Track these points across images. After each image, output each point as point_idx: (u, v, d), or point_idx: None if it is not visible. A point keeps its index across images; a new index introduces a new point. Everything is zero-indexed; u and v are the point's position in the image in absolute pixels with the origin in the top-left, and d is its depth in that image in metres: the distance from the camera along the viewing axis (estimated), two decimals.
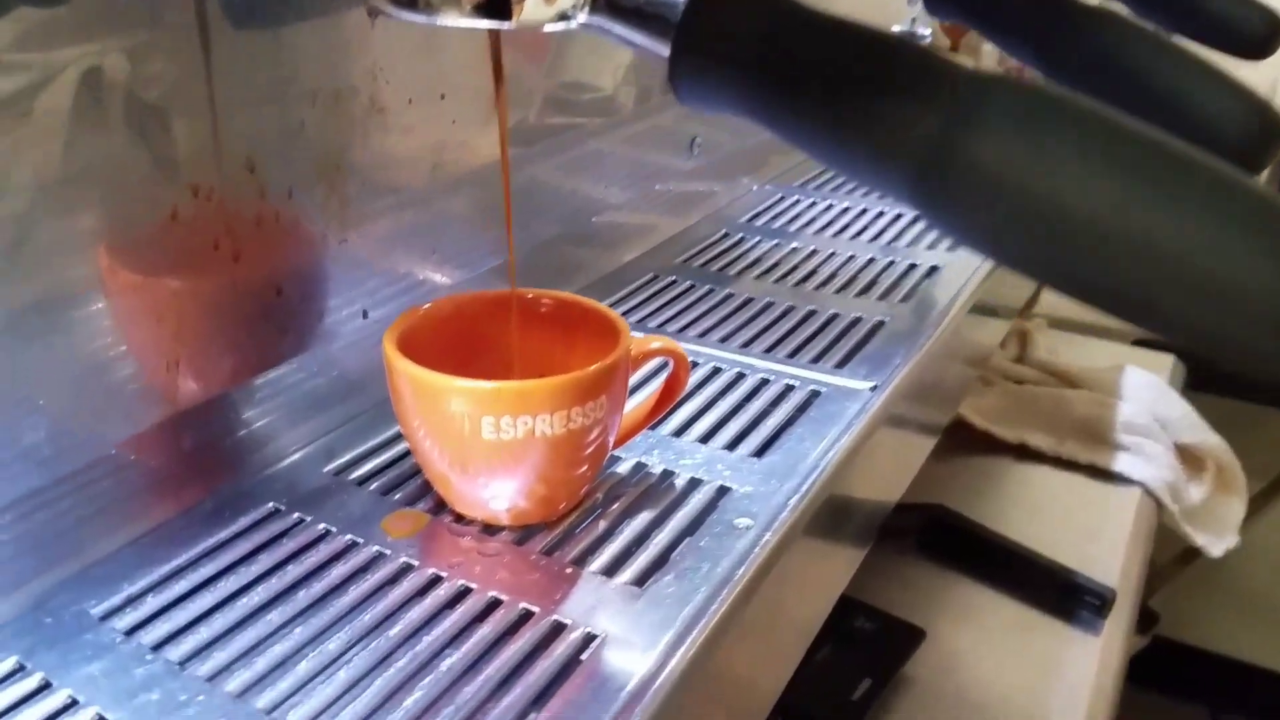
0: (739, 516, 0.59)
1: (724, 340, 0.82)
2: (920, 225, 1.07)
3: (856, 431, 0.68)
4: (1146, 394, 1.43)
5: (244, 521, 0.58)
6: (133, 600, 0.51)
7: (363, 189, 0.63)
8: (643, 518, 0.59)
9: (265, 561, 0.54)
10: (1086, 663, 1.05)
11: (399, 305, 0.68)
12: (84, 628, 0.49)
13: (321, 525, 0.58)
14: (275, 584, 0.53)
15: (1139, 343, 1.69)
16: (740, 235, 1.04)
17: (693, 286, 0.92)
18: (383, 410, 0.68)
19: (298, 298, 0.60)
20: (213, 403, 0.58)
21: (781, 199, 1.14)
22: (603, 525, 0.59)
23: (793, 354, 0.79)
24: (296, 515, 0.59)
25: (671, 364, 0.62)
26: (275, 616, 0.51)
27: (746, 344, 0.81)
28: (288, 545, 0.56)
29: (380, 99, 0.62)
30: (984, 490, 1.30)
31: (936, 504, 1.18)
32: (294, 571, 0.54)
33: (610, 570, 0.55)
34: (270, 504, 0.60)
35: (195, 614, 0.50)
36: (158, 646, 0.48)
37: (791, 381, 0.75)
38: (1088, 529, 1.25)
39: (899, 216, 1.09)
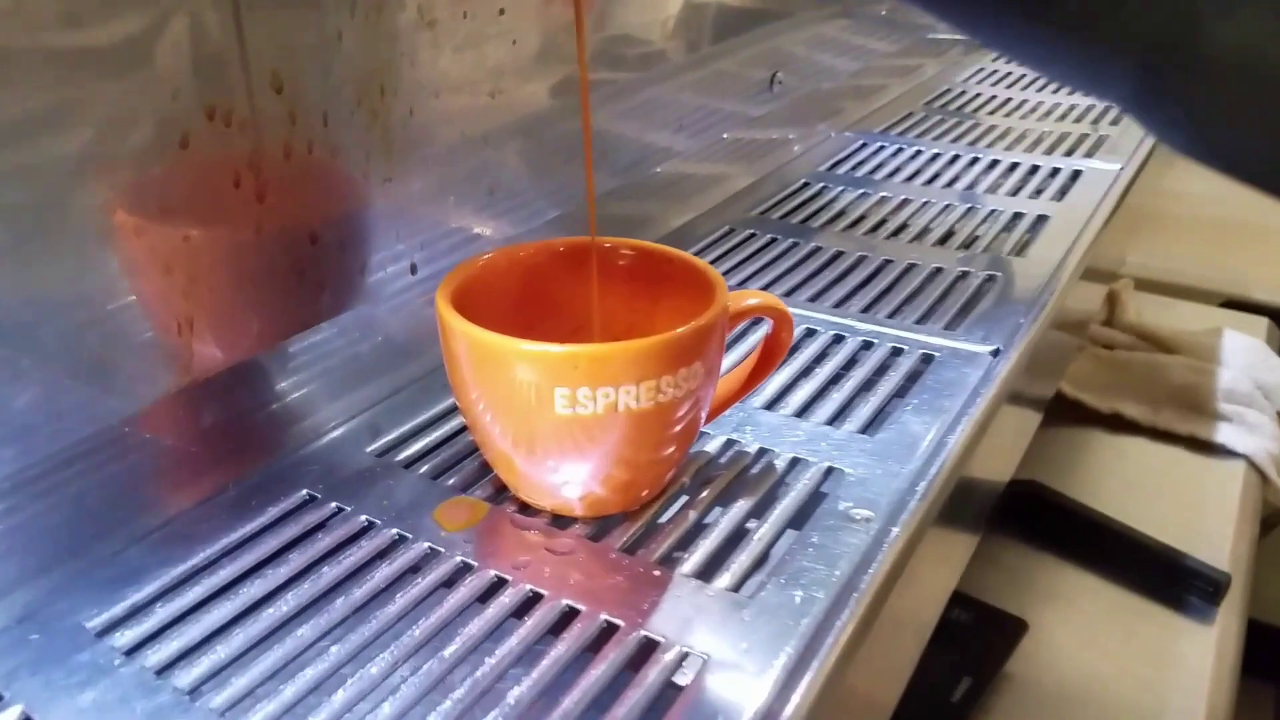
0: (855, 506, 0.50)
1: (814, 299, 0.72)
2: (1019, 172, 0.96)
3: (984, 404, 0.58)
4: (1247, 359, 1.32)
5: (272, 512, 0.49)
6: (137, 611, 0.43)
7: (409, 118, 0.53)
8: (739, 507, 0.50)
9: (296, 561, 0.46)
10: (1201, 655, 0.95)
11: (450, 260, 0.59)
12: (77, 645, 0.41)
13: (363, 517, 0.49)
14: (308, 589, 0.44)
15: (1229, 304, 1.57)
16: (822, 185, 0.94)
17: (773, 241, 0.82)
18: (434, 381, 0.60)
19: (334, 247, 0.51)
20: (235, 371, 0.49)
21: (863, 146, 1.04)
22: (692, 516, 0.49)
23: (893, 314, 0.70)
24: (334, 505, 0.50)
25: (771, 323, 0.52)
26: (307, 631, 0.42)
27: (840, 303, 0.71)
28: (323, 541, 0.47)
29: (431, 9, 0.52)
30: (1075, 464, 1.20)
31: (1029, 479, 1.08)
32: (330, 573, 0.45)
33: (706, 573, 0.46)
34: (304, 491, 0.51)
35: (210, 628, 0.42)
36: (164, 670, 0.40)
37: (898, 344, 0.65)
38: (1190, 506, 1.15)
39: (994, 164, 0.98)
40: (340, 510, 0.50)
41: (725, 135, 0.90)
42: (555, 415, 0.44)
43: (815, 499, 0.51)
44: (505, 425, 0.46)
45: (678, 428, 0.47)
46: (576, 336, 0.55)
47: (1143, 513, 1.10)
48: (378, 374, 0.57)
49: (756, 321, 0.64)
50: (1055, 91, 1.22)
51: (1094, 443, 1.24)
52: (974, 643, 0.85)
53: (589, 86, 0.48)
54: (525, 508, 0.50)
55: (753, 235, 0.83)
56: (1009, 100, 1.19)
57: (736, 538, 0.48)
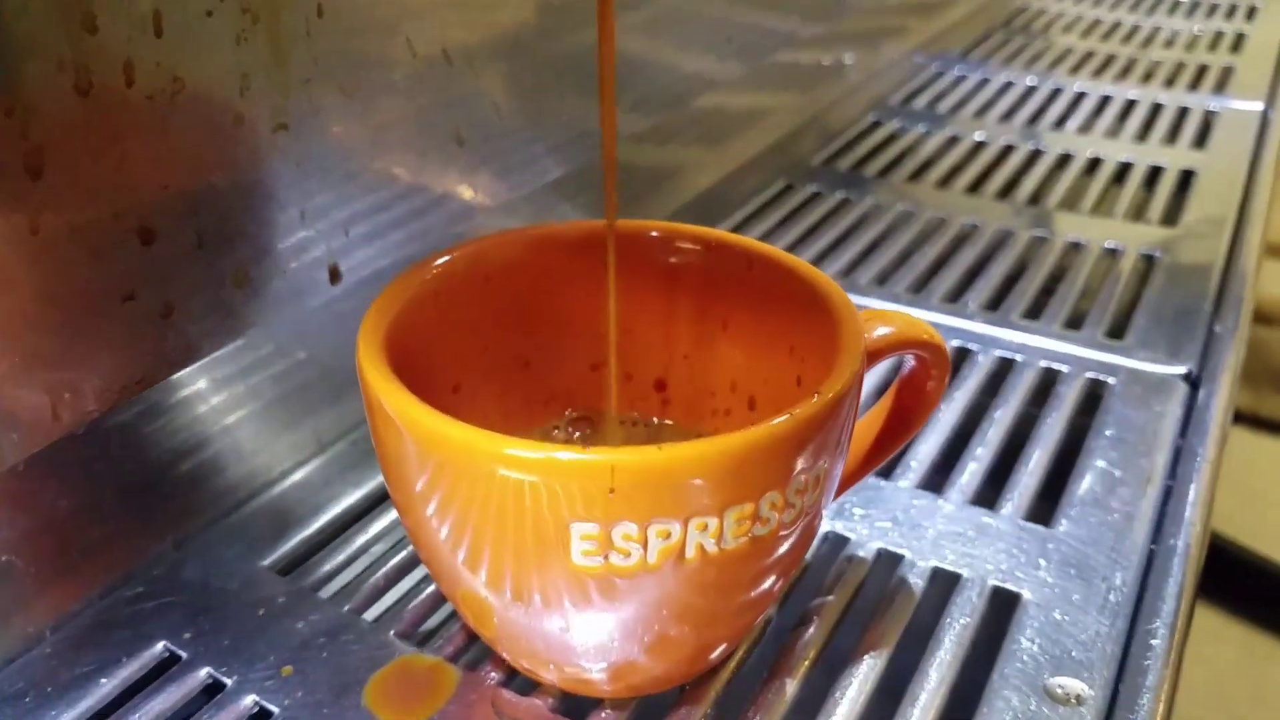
0: (1054, 671, 0.30)
1: (916, 291, 0.52)
2: (1139, 112, 0.75)
3: (1206, 467, 0.38)
4: None
5: (107, 687, 0.30)
6: None
7: (317, 21, 0.33)
8: (864, 672, 0.31)
9: None
10: None
11: (393, 258, 0.39)
12: None
13: (251, 698, 0.30)
14: None
15: None
16: (896, 123, 0.73)
17: (845, 202, 0.61)
18: (361, 446, 0.40)
19: (186, 247, 0.31)
20: (33, 465, 0.29)
21: (938, 75, 0.83)
22: (789, 691, 0.30)
23: (1032, 312, 0.50)
24: (206, 671, 0.31)
25: (912, 362, 0.32)
26: None
27: (953, 296, 0.51)
28: None
29: None
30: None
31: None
32: None
33: None
34: (160, 644, 0.32)
35: None
36: None
37: (1050, 362, 0.46)
38: None
39: (1105, 101, 0.78)
40: (214, 682, 0.30)
41: (775, 58, 0.69)
42: (572, 566, 0.25)
43: (986, 648, 0.32)
44: (484, 570, 0.26)
45: (783, 562, 0.28)
46: (596, 377, 0.35)
47: (1250, 524, 0.91)
48: (273, 438, 0.37)
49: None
50: (1153, 11, 1.00)
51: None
52: None
53: None
54: (515, 674, 0.31)
55: (817, 195, 0.62)
56: (1098, 22, 0.97)
57: None
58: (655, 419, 0.36)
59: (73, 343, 0.28)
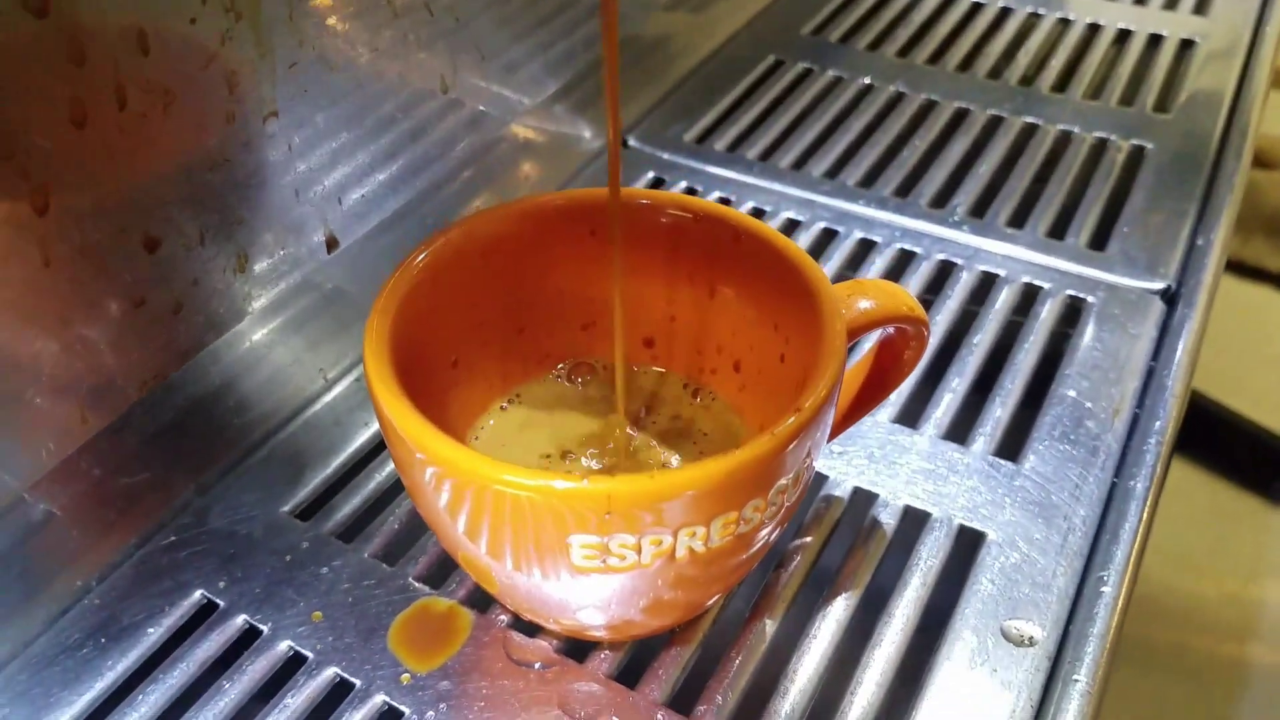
0: (1011, 612, 0.34)
1: (903, 195, 0.53)
2: None
3: (1173, 392, 0.41)
4: None
5: (154, 636, 0.33)
6: None
7: (302, 9, 0.33)
8: (838, 613, 0.34)
9: None
10: None
11: (385, 213, 0.39)
12: None
13: (286, 643, 0.33)
14: None
15: None
16: None
17: (838, 82, 0.61)
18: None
19: (189, 246, 0.32)
20: (68, 465, 0.32)
21: None
22: (769, 630, 0.34)
23: (1017, 218, 0.51)
24: (243, 618, 0.34)
25: (892, 331, 0.34)
26: None
27: (939, 200, 0.52)
28: (230, 695, 0.31)
29: None
30: None
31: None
32: None
33: None
34: (198, 593, 0.35)
35: None
36: None
37: (1027, 277, 0.47)
38: None
39: None
40: (251, 628, 0.34)
41: None
42: (575, 566, 0.27)
43: (948, 585, 0.35)
44: (489, 554, 0.29)
45: (766, 543, 0.30)
46: (587, 335, 0.37)
47: (1223, 374, 0.94)
48: (284, 392, 0.39)
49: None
50: None
51: None
52: None
53: None
54: (520, 617, 0.34)
55: (808, 73, 0.62)
56: None
57: (842, 672, 0.33)
58: (651, 367, 0.38)
59: (92, 356, 0.30)
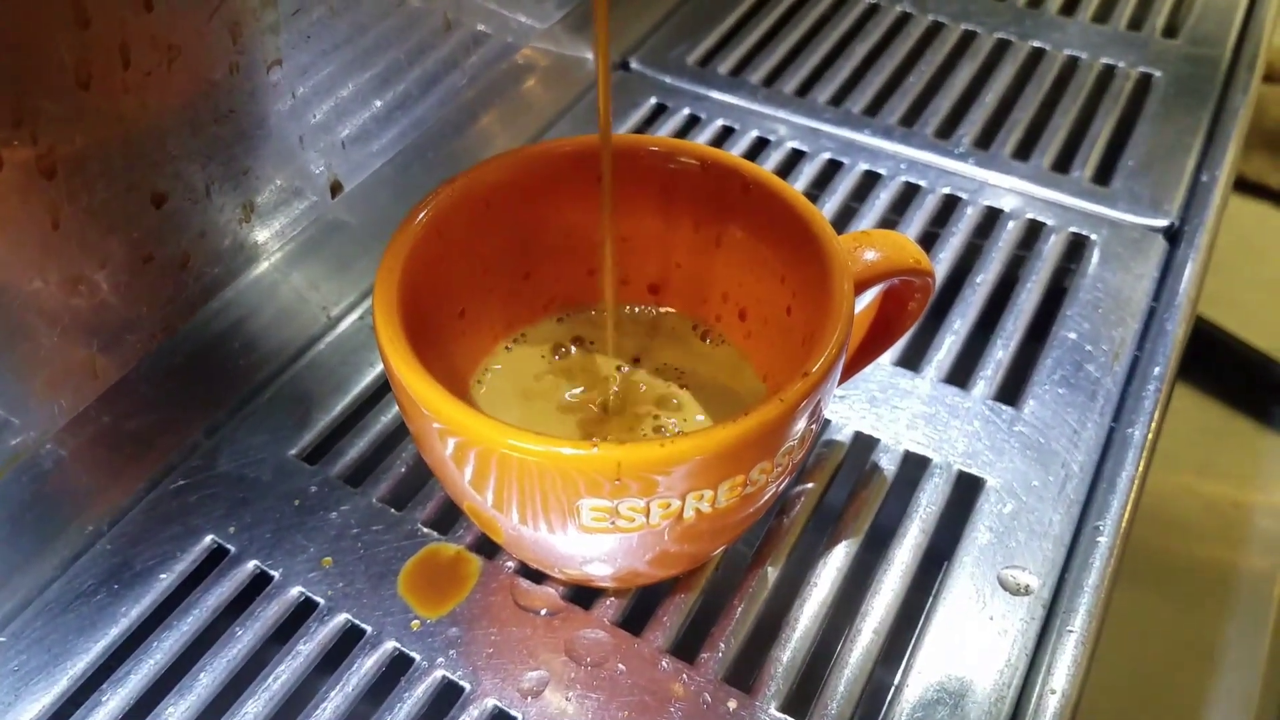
0: (1008, 561, 0.34)
1: (909, 125, 0.52)
2: None
3: (1174, 336, 0.41)
4: None
5: (166, 581, 0.34)
6: None
7: None
8: (837, 560, 0.35)
9: (208, 681, 0.31)
10: None
11: (391, 151, 0.39)
12: None
13: (297, 589, 0.34)
14: None
15: None
16: None
17: (845, 3, 0.60)
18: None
19: (196, 198, 0.31)
20: (85, 414, 0.32)
21: None
22: (771, 576, 0.34)
23: (1022, 150, 0.50)
24: (253, 564, 0.34)
25: (897, 282, 0.34)
26: None
27: (946, 130, 0.51)
28: (243, 641, 0.32)
29: None
30: None
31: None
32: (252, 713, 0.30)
33: (798, 706, 0.31)
34: (209, 538, 0.35)
35: None
36: None
37: (1031, 213, 0.47)
38: None
39: None
40: (262, 574, 0.34)
41: None
42: (584, 526, 0.28)
43: (947, 532, 0.36)
44: (497, 507, 0.29)
45: (771, 498, 0.31)
46: (593, 280, 0.37)
47: (1217, 293, 0.93)
48: (291, 334, 0.39)
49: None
50: None
51: None
52: None
53: None
54: (527, 567, 0.35)
55: None
56: None
57: (842, 618, 0.34)
58: (654, 309, 0.38)
59: (102, 313, 0.29)
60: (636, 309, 0.38)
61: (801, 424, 0.28)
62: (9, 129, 0.24)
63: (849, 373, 0.36)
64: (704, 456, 0.26)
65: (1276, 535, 0.77)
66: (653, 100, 0.53)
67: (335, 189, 0.36)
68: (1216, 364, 0.83)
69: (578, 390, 0.35)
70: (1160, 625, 0.70)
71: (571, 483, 0.26)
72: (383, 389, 0.40)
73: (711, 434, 0.26)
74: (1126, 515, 0.35)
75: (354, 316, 0.42)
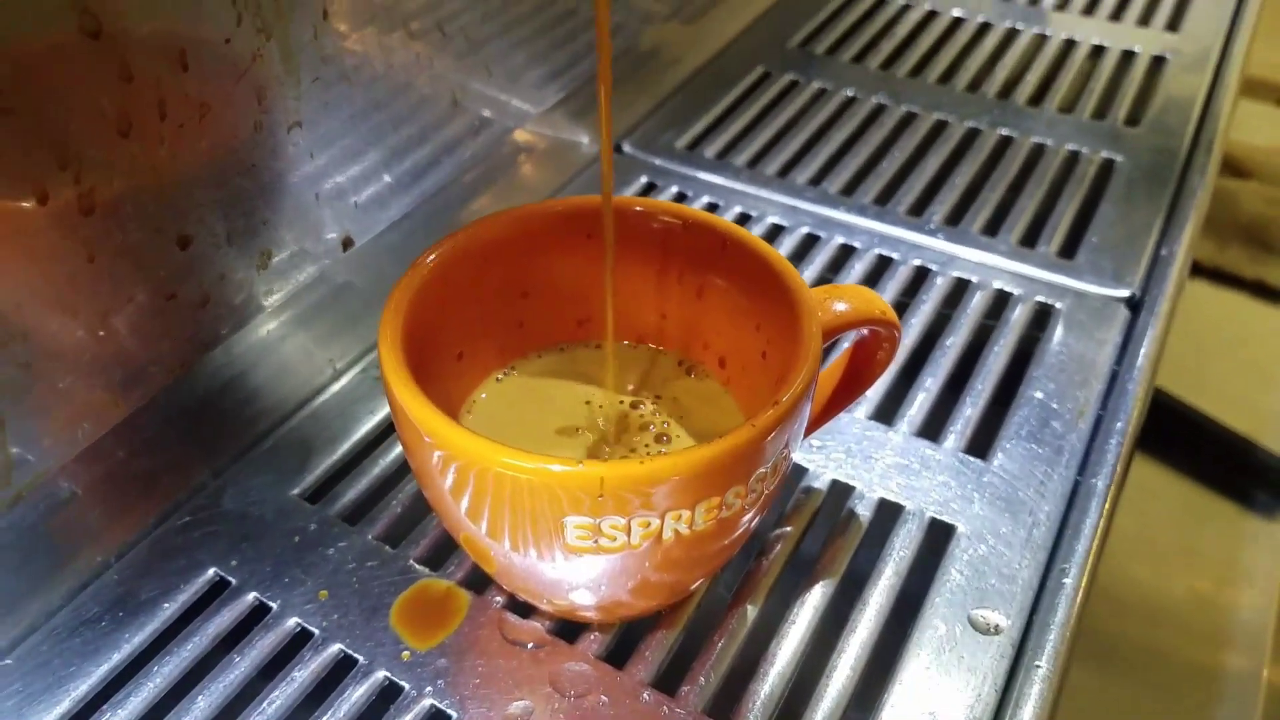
0: (979, 602, 0.36)
1: (882, 203, 0.55)
2: None
3: (1135, 406, 0.43)
4: None
5: (169, 611, 0.35)
6: None
7: (323, 23, 0.35)
8: (813, 600, 0.36)
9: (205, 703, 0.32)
10: (1273, 560, 0.85)
11: (399, 208, 0.41)
12: None
13: (294, 620, 0.35)
14: None
15: None
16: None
17: (822, 94, 0.63)
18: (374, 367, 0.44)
19: (218, 243, 0.34)
20: (99, 445, 0.34)
21: None
22: (750, 614, 0.36)
23: (991, 226, 0.53)
24: (253, 595, 0.36)
25: (866, 333, 0.36)
26: None
27: (918, 208, 0.54)
28: (239, 668, 0.33)
29: None
30: None
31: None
32: None
33: None
34: (210, 571, 0.36)
35: None
36: None
37: (998, 283, 0.49)
38: (1258, 371, 1.01)
39: None
40: (261, 605, 0.36)
41: None
42: (568, 546, 0.30)
43: (920, 575, 0.37)
44: (488, 533, 0.31)
45: (746, 529, 0.32)
46: (582, 330, 0.39)
47: (1199, 379, 0.96)
48: (295, 382, 0.41)
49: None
50: None
51: None
52: None
53: None
54: (515, 599, 0.36)
55: (794, 84, 0.64)
56: None
57: (819, 656, 0.35)
58: (650, 345, 0.40)
59: (128, 346, 0.32)
60: (631, 345, 0.40)
61: (773, 450, 0.30)
62: (56, 170, 0.27)
63: (824, 418, 0.38)
64: (681, 476, 0.28)
65: (1260, 628, 0.78)
66: (644, 179, 0.56)
67: (347, 243, 0.39)
68: (1201, 449, 0.85)
69: (566, 424, 0.37)
70: (1144, 711, 0.71)
71: (557, 499, 0.28)
72: (381, 435, 0.42)
73: (689, 454, 0.28)
74: (1091, 558, 0.37)
75: (357, 370, 0.44)
